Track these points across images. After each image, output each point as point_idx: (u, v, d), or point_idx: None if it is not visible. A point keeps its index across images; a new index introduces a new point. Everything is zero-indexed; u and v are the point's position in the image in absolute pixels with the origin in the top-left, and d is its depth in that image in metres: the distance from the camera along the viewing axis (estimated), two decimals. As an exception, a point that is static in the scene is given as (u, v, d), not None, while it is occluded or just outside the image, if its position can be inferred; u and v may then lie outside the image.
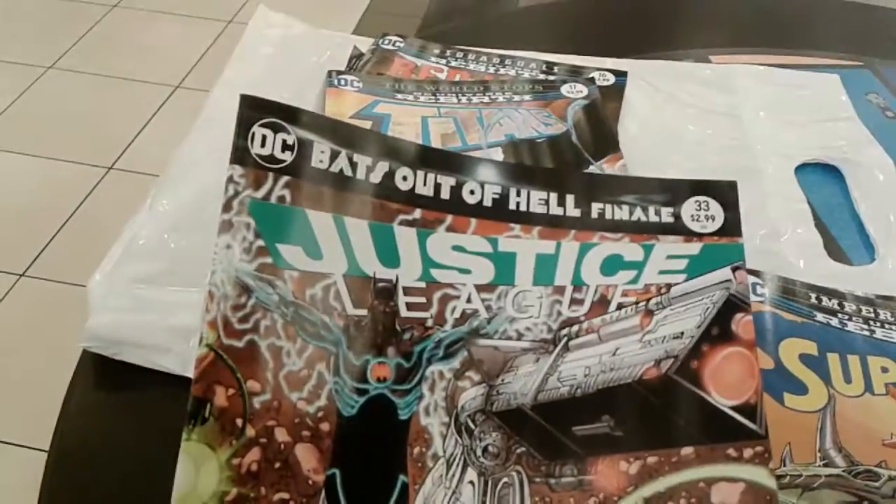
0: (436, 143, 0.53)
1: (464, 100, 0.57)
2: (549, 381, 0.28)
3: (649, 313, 0.30)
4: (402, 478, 0.27)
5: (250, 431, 0.26)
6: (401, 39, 0.63)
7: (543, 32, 0.72)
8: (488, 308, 0.29)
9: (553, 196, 0.31)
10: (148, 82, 1.70)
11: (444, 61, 0.62)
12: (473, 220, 0.30)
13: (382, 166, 0.29)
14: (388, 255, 0.29)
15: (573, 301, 0.30)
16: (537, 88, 0.58)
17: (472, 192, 0.30)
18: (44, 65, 1.77)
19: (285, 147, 0.28)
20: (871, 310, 0.44)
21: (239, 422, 0.26)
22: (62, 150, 1.55)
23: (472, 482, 0.27)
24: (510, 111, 0.56)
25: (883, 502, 0.34)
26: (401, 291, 0.29)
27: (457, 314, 0.29)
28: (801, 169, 0.54)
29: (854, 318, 0.43)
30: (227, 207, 0.28)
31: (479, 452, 0.27)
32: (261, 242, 0.27)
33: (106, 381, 0.41)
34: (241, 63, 0.60)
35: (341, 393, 0.27)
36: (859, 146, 0.56)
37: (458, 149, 0.52)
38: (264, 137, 0.28)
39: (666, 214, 0.32)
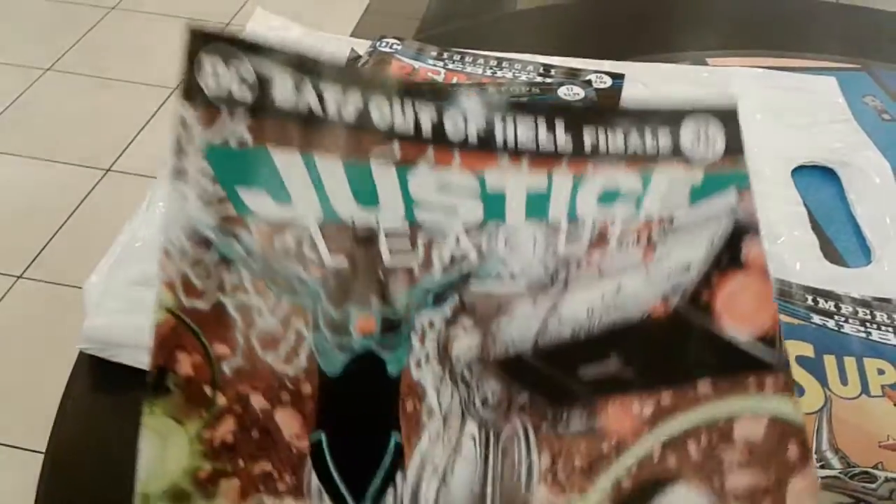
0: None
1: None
2: (549, 325, 0.26)
3: (652, 246, 0.28)
4: (395, 436, 0.24)
5: (221, 400, 0.23)
6: (398, 42, 0.63)
7: (540, 35, 0.72)
8: (478, 250, 0.27)
9: (542, 124, 0.28)
10: (146, 84, 1.70)
11: (441, 63, 0.62)
12: (458, 153, 0.27)
13: (355, 100, 0.26)
14: (366, 195, 0.26)
15: (570, 238, 0.27)
16: (534, 91, 0.58)
17: (455, 125, 0.27)
18: (42, 66, 1.76)
19: (243, 82, 0.25)
20: (868, 312, 0.44)
21: (208, 390, 0.23)
22: (60, 152, 1.55)
23: (472, 436, 0.25)
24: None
25: (878, 504, 0.34)
26: (382, 236, 0.26)
27: (445, 259, 0.27)
28: (798, 171, 0.54)
29: (850, 321, 0.43)
30: (178, 152, 0.24)
31: (477, 404, 0.25)
32: (220, 190, 0.24)
33: (102, 383, 0.41)
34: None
35: (323, 351, 0.25)
36: (856, 149, 0.56)
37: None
38: (216, 71, 0.24)
39: (664, 141, 0.29)
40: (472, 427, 0.25)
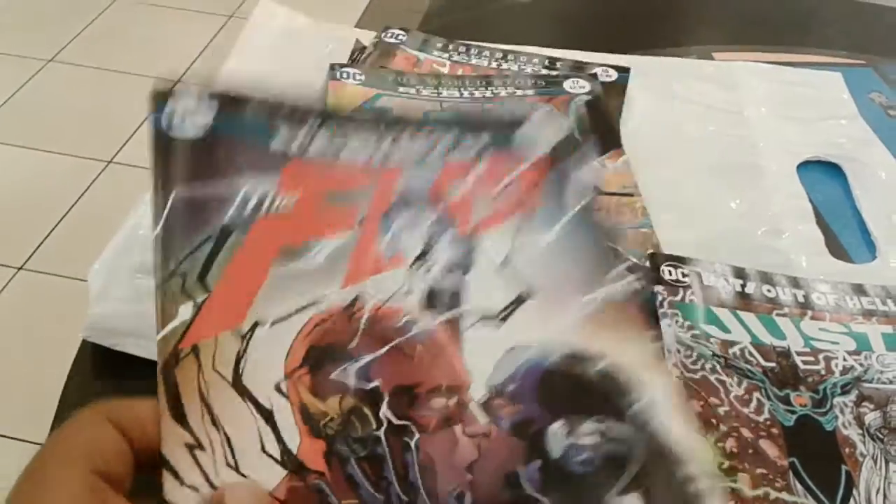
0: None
1: (466, 94, 0.57)
2: None
3: None
4: (844, 468, 0.36)
5: (723, 427, 0.37)
6: (403, 33, 0.63)
7: (546, 27, 0.72)
8: (861, 365, 0.41)
9: (878, 300, 0.44)
10: (148, 76, 1.69)
11: (446, 55, 0.62)
12: (827, 314, 0.43)
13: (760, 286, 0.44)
14: (777, 333, 0.42)
15: None
16: (540, 83, 0.58)
17: (818, 298, 0.43)
18: (44, 57, 1.76)
19: (684, 275, 0.43)
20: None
21: (713, 420, 0.37)
22: (61, 143, 1.54)
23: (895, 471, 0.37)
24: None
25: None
26: (794, 354, 0.41)
27: (840, 367, 0.40)
28: (803, 166, 0.54)
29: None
30: (660, 305, 0.42)
31: (892, 453, 0.37)
32: (689, 323, 0.41)
33: (103, 374, 0.41)
34: (244, 55, 0.59)
35: (777, 411, 0.38)
36: (861, 144, 0.56)
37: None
38: (670, 272, 0.44)
39: None
40: (894, 466, 0.37)
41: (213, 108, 0.32)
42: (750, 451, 0.37)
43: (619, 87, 0.59)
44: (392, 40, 0.62)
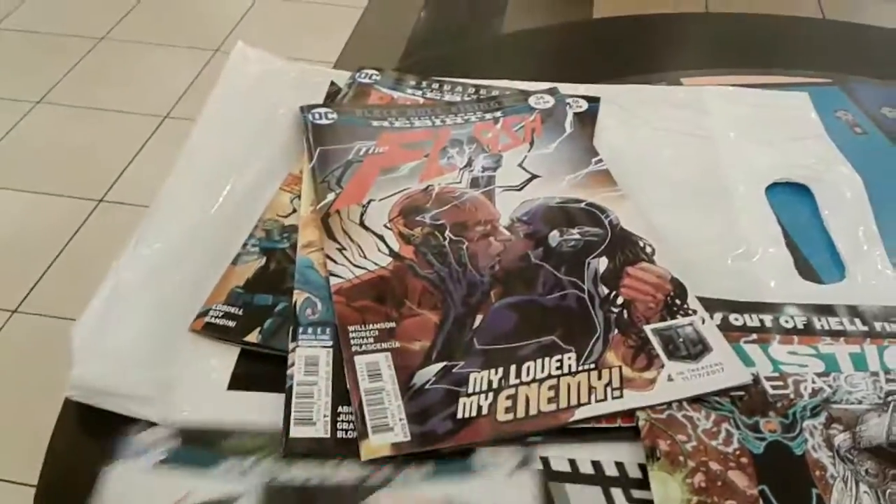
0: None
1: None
2: (894, 429, 0.40)
3: None
4: (815, 490, 0.37)
5: (690, 463, 0.38)
6: (377, 73, 0.64)
7: (521, 60, 0.73)
8: (830, 386, 0.41)
9: (846, 319, 0.45)
10: (136, 113, 1.71)
11: (419, 92, 0.63)
12: (796, 337, 0.44)
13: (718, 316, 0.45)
14: (745, 360, 0.43)
15: (889, 380, 0.42)
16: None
17: (786, 322, 0.45)
18: (32, 99, 1.77)
19: None
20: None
21: (681, 458, 0.38)
22: (52, 184, 1.55)
23: (866, 492, 0.37)
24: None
25: None
26: (763, 380, 0.42)
27: (808, 390, 0.41)
28: (772, 188, 0.55)
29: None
30: None
31: (862, 473, 0.38)
32: None
33: (91, 419, 0.41)
34: (219, 100, 0.60)
35: (746, 440, 0.39)
36: (828, 164, 0.57)
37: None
38: None
39: None
40: (864, 486, 0.37)
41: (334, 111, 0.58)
42: (719, 483, 0.37)
43: (589, 117, 0.60)
44: (366, 80, 0.63)
